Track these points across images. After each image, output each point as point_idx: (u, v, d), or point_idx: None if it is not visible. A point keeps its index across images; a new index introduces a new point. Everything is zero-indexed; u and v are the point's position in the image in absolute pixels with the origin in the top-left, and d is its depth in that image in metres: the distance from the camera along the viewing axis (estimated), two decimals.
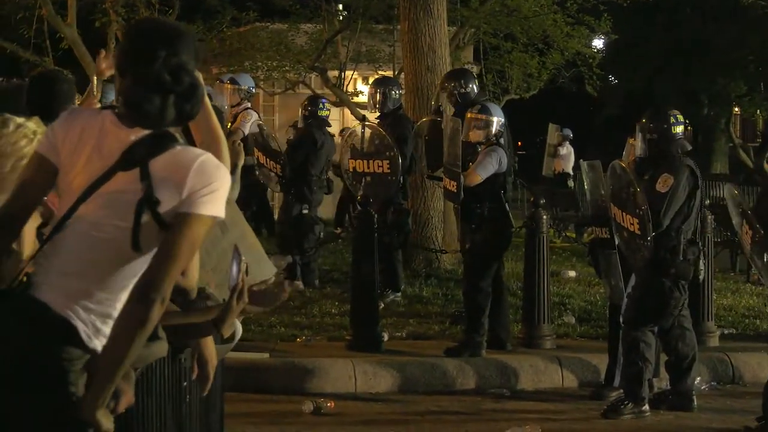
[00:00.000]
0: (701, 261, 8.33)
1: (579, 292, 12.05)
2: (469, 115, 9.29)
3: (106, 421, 3.08)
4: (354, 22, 20.60)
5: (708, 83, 29.05)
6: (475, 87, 10.21)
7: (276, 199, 17.53)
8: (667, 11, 28.90)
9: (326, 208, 11.91)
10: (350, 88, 21.53)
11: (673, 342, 8.20)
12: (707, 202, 10.99)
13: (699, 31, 28.41)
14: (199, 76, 3.69)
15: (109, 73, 6.45)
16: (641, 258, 7.87)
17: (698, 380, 8.69)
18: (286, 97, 22.45)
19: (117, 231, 3.15)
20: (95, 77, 7.06)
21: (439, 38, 13.03)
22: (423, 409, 8.20)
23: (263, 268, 4.14)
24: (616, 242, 8.13)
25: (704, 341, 9.49)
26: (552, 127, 20.86)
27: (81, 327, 3.14)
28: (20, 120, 4.44)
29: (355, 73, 21.71)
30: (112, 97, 7.03)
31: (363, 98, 18.93)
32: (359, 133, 10.90)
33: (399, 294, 11.22)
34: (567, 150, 21.53)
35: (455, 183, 9.07)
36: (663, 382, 8.52)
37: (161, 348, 3.51)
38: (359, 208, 9.71)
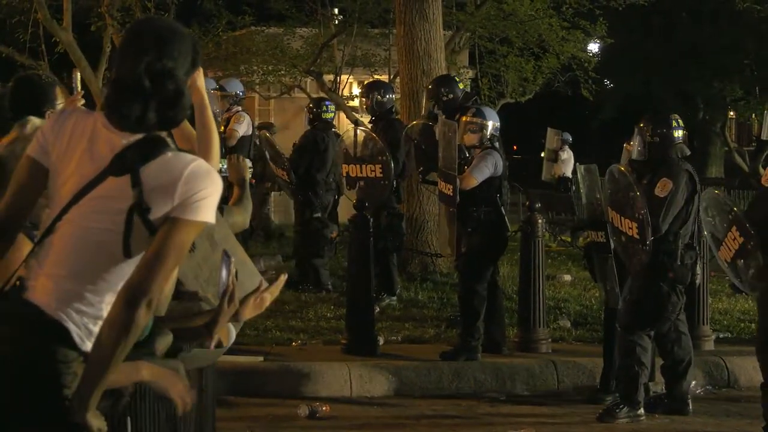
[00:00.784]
0: (698, 265, 8.32)
1: (574, 295, 12.06)
2: (464, 118, 9.28)
3: (96, 422, 3.07)
4: (350, 26, 20.65)
5: (703, 87, 29.03)
6: (459, 92, 10.22)
7: (272, 204, 17.53)
8: (663, 15, 28.90)
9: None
10: (346, 92, 21.56)
11: (669, 346, 8.19)
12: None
13: (695, 35, 28.41)
14: (200, 76, 3.67)
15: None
16: (639, 262, 7.85)
17: (694, 384, 8.67)
18: (281, 101, 22.49)
19: (108, 235, 3.13)
20: (78, 73, 7.07)
21: (435, 42, 13.03)
22: (418, 413, 8.19)
23: (255, 282, 4.14)
24: (613, 246, 8.12)
25: (700, 345, 9.49)
26: (551, 132, 20.81)
27: (74, 329, 3.12)
28: (38, 122, 4.44)
29: (351, 77, 21.74)
30: None
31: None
32: (351, 137, 10.88)
33: (394, 298, 11.23)
34: (567, 154, 21.51)
35: (451, 186, 9.06)
36: (658, 386, 8.52)
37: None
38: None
